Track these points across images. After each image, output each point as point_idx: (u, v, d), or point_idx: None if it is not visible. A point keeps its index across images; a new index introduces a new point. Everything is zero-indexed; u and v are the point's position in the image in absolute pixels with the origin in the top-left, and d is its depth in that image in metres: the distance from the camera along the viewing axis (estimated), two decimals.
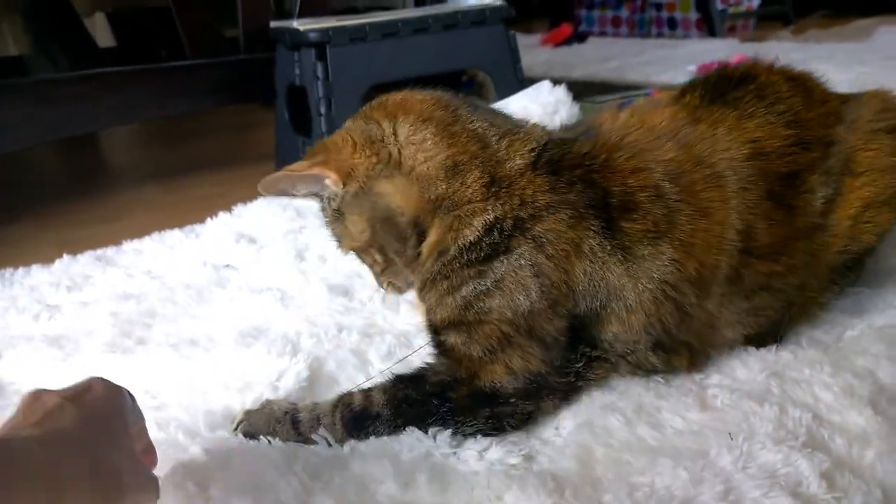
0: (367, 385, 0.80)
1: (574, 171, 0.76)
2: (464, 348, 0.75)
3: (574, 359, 0.76)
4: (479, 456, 0.71)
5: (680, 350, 0.79)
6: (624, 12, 4.22)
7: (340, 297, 1.08)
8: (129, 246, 1.34)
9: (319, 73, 1.51)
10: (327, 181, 0.78)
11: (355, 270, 1.10)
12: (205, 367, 0.90)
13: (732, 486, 0.64)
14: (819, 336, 0.87)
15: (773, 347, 0.85)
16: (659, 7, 4.10)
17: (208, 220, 1.43)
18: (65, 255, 1.29)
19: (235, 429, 0.77)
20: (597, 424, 0.74)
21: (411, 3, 2.13)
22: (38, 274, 1.23)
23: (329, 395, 0.83)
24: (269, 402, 0.79)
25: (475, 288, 0.74)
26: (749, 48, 3.19)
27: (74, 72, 1.86)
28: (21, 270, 1.25)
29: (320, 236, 1.28)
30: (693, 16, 3.93)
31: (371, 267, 0.87)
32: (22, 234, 1.57)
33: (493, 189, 0.74)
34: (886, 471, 0.65)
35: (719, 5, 3.84)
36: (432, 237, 0.77)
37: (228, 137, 2.36)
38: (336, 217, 0.82)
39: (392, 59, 1.55)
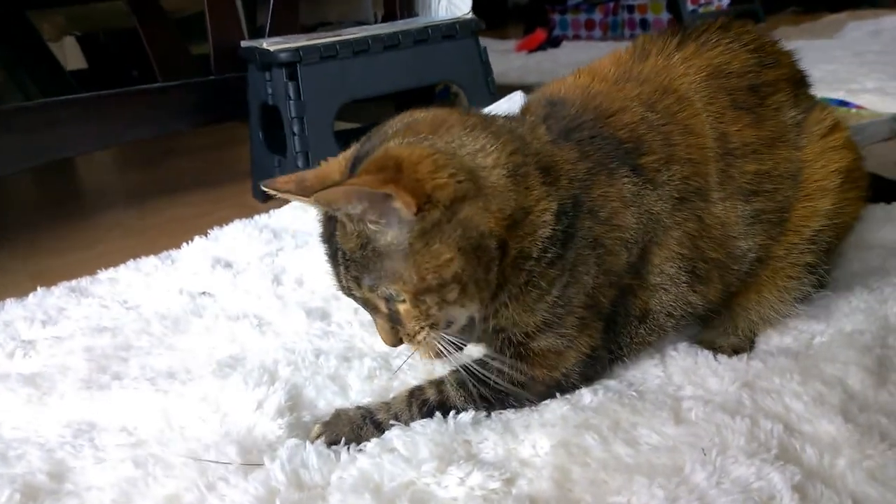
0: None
1: (581, 131, 0.79)
2: (554, 345, 0.78)
3: (624, 332, 0.82)
4: (461, 482, 0.71)
5: (711, 275, 0.83)
6: (597, 15, 4.25)
7: (318, 322, 1.08)
8: (105, 275, 1.33)
9: (291, 92, 1.51)
10: (397, 205, 0.67)
11: (333, 293, 1.10)
12: (182, 401, 0.89)
13: (707, 502, 0.65)
14: (788, 343, 0.89)
15: (745, 356, 0.86)
16: (631, 9, 4.14)
17: (184, 245, 1.42)
18: (39, 289, 1.28)
19: (314, 441, 0.78)
20: (573, 444, 0.74)
21: (381, 14, 2.13)
22: (11, 308, 1.22)
23: (309, 420, 0.84)
24: (340, 411, 0.82)
25: (560, 284, 0.76)
26: None
27: (45, 98, 1.85)
28: None
29: (296, 259, 1.30)
30: (665, 17, 3.97)
31: (411, 319, 0.73)
32: None
33: (548, 179, 0.75)
34: (857, 480, 0.66)
35: (690, 6, 3.88)
36: (513, 253, 0.74)
37: (205, 156, 2.35)
38: (395, 250, 0.70)
39: (364, 75, 1.56)
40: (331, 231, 0.75)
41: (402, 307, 0.73)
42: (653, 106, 0.82)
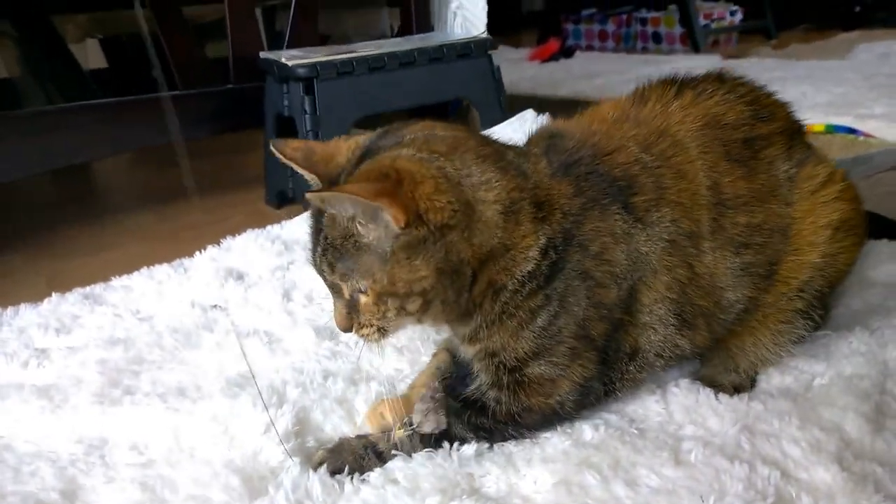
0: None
1: (579, 167, 0.81)
2: (547, 372, 0.80)
3: (615, 368, 0.84)
4: None
5: (698, 322, 0.84)
6: (610, 26, 4.26)
7: (327, 341, 1.10)
8: (118, 282, 1.35)
9: (307, 106, 1.53)
10: (386, 215, 0.70)
11: None
12: (191, 420, 0.91)
13: None
14: (789, 384, 0.90)
15: (745, 397, 0.88)
16: (644, 22, 4.15)
17: (197, 254, 1.44)
18: (53, 295, 1.30)
19: (316, 468, 0.81)
20: (574, 482, 0.76)
21: (398, 25, 2.14)
22: (26, 314, 1.24)
23: (313, 445, 0.86)
24: (343, 441, 0.85)
25: (547, 314, 0.78)
26: (731, 65, 3.24)
27: (65, 100, 1.87)
28: (10, 311, 1.25)
29: (307, 273, 1.31)
30: (677, 31, 3.98)
31: (367, 313, 0.77)
32: (10, 265, 1.58)
33: (541, 215, 0.77)
34: None
35: (702, 20, 3.89)
36: (483, 283, 0.76)
37: (221, 160, 2.37)
38: (375, 251, 0.72)
39: (379, 92, 1.58)
40: (321, 211, 0.77)
41: (363, 299, 0.76)
42: (648, 148, 0.84)
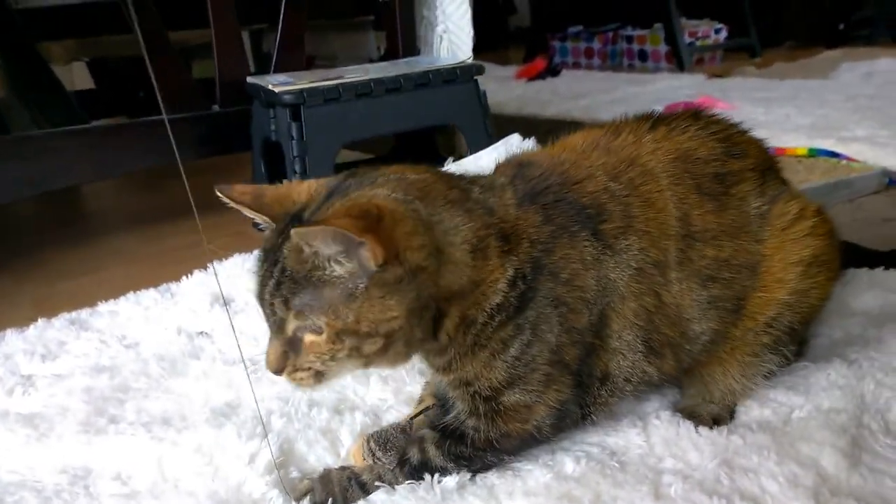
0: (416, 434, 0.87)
1: (546, 195, 0.82)
2: (522, 400, 0.81)
3: (588, 392, 0.85)
4: None
5: (664, 351, 0.86)
6: (596, 44, 4.32)
7: None
8: (105, 307, 1.36)
9: (294, 132, 1.54)
10: (365, 252, 0.69)
11: None
12: (176, 451, 0.92)
13: None
14: (768, 416, 0.92)
15: (724, 430, 0.89)
16: (630, 40, 4.21)
17: (183, 278, 1.45)
18: (40, 320, 1.30)
19: (300, 499, 0.82)
20: None
21: (384, 47, 2.17)
22: (12, 340, 1.25)
23: (296, 477, 0.87)
24: (327, 472, 0.85)
25: (519, 343, 0.78)
26: (716, 85, 3.29)
27: (51, 125, 1.88)
28: None
29: None
30: (662, 48, 4.03)
31: (311, 354, 0.73)
32: None
33: (507, 247, 0.77)
34: None
35: (687, 38, 3.94)
36: (455, 317, 0.76)
37: (206, 180, 2.36)
38: (342, 286, 0.70)
39: (366, 118, 1.60)
40: (278, 244, 0.74)
41: (309, 339, 0.73)
42: (617, 176, 0.85)
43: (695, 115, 0.92)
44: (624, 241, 0.82)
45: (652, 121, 0.91)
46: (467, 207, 0.77)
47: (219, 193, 0.78)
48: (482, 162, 1.69)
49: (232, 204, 0.79)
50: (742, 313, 0.89)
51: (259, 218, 0.79)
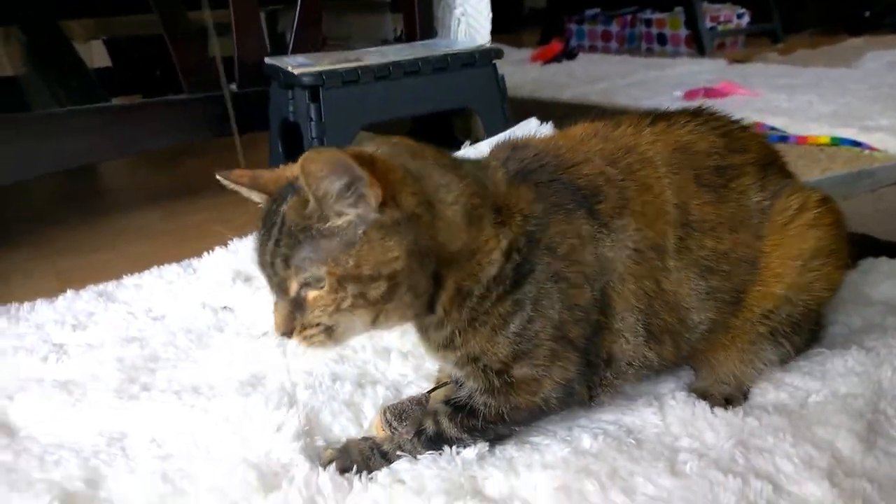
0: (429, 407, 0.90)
1: (540, 174, 0.84)
2: (531, 373, 0.83)
3: (595, 372, 0.87)
4: None
5: (664, 338, 0.87)
6: (614, 27, 4.28)
7: None
8: (129, 280, 1.39)
9: (313, 114, 1.56)
10: (366, 191, 0.70)
11: None
12: (207, 418, 0.95)
13: None
14: (784, 400, 0.93)
15: (740, 412, 0.91)
16: (649, 23, 4.16)
17: (205, 254, 1.47)
18: (68, 291, 1.33)
19: (325, 465, 0.84)
20: (573, 489, 0.79)
21: (401, 29, 2.16)
22: (42, 310, 1.28)
23: (321, 446, 0.90)
24: (349, 442, 0.89)
25: (520, 319, 0.80)
26: (736, 71, 3.26)
27: (75, 106, 1.90)
28: (26, 306, 1.29)
29: None
30: (683, 32, 3.99)
31: (316, 308, 0.74)
32: (19, 262, 1.60)
33: (500, 219, 0.79)
34: None
35: (708, 23, 3.91)
36: (451, 289, 0.78)
37: (225, 157, 2.39)
38: (342, 234, 0.72)
39: (384, 100, 1.61)
40: (277, 206, 0.75)
41: (313, 294, 0.73)
42: (614, 162, 0.86)
43: (696, 113, 0.93)
44: (620, 220, 0.83)
45: (652, 116, 0.92)
46: (458, 173, 0.79)
47: (219, 177, 0.82)
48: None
49: (231, 185, 0.81)
50: (741, 305, 0.90)
51: (257, 196, 0.81)
